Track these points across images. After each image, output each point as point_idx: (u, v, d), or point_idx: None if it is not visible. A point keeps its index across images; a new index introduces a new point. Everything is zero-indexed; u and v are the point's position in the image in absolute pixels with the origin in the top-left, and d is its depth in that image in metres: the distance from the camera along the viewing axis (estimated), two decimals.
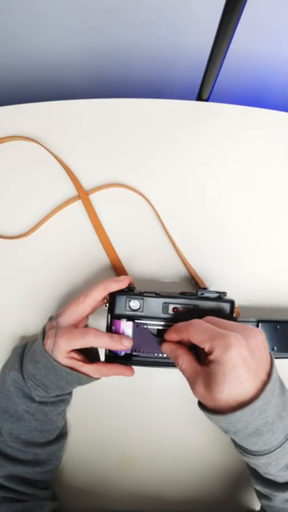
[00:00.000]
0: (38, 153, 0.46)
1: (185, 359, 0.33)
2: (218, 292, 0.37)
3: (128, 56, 0.59)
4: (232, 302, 0.37)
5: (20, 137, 0.46)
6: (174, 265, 0.44)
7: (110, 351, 0.37)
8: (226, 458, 0.43)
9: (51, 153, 0.45)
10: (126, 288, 0.37)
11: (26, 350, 0.38)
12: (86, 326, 0.40)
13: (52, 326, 0.36)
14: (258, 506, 0.42)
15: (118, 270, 0.44)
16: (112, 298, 0.37)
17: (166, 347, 0.35)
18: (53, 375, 0.35)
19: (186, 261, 0.44)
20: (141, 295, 0.36)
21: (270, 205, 0.47)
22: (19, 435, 0.37)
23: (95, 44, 0.57)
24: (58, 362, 0.34)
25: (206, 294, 0.37)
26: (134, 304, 0.36)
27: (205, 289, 0.39)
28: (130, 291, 0.37)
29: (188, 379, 0.32)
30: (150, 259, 0.44)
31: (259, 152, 0.48)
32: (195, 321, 0.32)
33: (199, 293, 0.37)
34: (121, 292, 0.37)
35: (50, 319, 0.37)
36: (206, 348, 0.30)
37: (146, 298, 0.36)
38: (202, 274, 0.44)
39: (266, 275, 0.45)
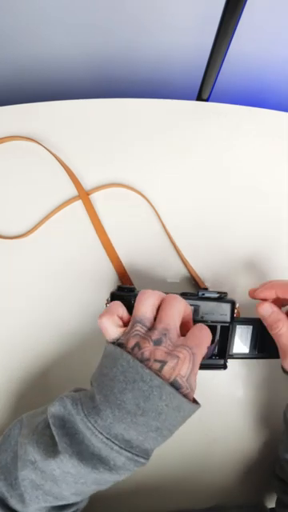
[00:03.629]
0: (38, 153, 0.46)
1: (286, 324, 0.33)
2: (218, 292, 0.37)
3: (128, 56, 0.59)
4: (233, 302, 0.37)
5: (20, 137, 0.46)
6: (174, 265, 0.44)
7: None
8: (227, 457, 0.43)
9: (51, 153, 0.45)
10: (127, 288, 0.37)
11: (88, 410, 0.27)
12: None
13: (181, 350, 0.28)
14: (269, 503, 0.43)
15: (118, 270, 0.44)
16: (113, 298, 0.36)
17: (267, 307, 0.34)
18: (180, 418, 0.28)
19: (186, 261, 0.44)
20: None
21: (270, 205, 0.47)
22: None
23: (95, 44, 0.57)
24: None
25: (206, 295, 0.37)
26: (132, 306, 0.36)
27: (205, 289, 0.39)
28: (130, 291, 0.37)
29: (283, 345, 0.33)
30: (150, 259, 0.44)
31: (259, 152, 0.48)
32: None
33: (200, 293, 0.37)
34: (121, 292, 0.36)
35: (158, 342, 0.28)
36: None
37: None
38: (203, 275, 0.44)
39: (267, 275, 0.45)
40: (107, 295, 0.37)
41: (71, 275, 0.44)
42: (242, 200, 0.46)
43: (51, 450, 0.27)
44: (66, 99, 0.48)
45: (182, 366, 0.27)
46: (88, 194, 0.45)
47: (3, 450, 0.31)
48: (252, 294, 0.36)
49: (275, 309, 0.34)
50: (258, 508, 0.40)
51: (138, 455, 0.26)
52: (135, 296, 0.36)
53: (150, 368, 0.27)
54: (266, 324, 0.35)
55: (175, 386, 0.27)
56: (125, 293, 0.37)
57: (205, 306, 0.36)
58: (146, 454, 0.27)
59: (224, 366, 0.38)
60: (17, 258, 0.44)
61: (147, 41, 0.56)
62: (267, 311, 0.34)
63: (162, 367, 0.27)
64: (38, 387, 0.42)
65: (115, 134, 0.47)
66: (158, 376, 0.26)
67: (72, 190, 0.45)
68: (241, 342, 0.38)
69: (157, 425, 0.26)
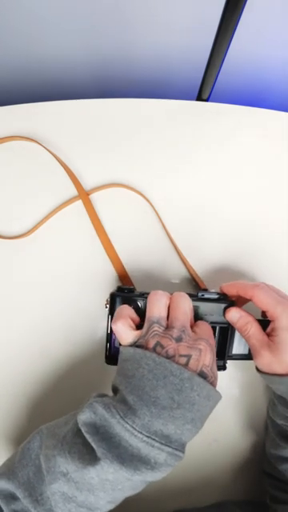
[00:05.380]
0: (38, 153, 0.46)
1: (253, 325, 0.34)
2: (218, 293, 0.37)
3: (128, 56, 0.59)
4: (232, 303, 0.37)
5: (20, 137, 0.46)
6: (174, 265, 0.44)
7: (110, 352, 0.37)
8: (227, 455, 0.43)
9: (51, 153, 0.45)
10: (127, 289, 0.37)
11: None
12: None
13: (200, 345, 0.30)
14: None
15: (118, 270, 0.44)
16: (113, 299, 0.36)
17: (234, 313, 0.35)
18: (209, 408, 0.29)
19: (186, 261, 0.44)
20: (141, 296, 0.36)
21: (270, 205, 0.47)
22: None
23: (95, 44, 0.57)
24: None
25: (206, 296, 0.37)
26: (135, 305, 0.36)
27: (205, 290, 0.39)
28: (130, 292, 0.37)
29: (253, 346, 0.34)
30: (150, 259, 0.44)
31: (259, 152, 0.48)
32: (262, 283, 0.34)
33: (199, 294, 0.37)
34: (121, 293, 0.36)
35: (179, 339, 0.29)
36: (270, 312, 0.33)
37: (146, 300, 0.36)
38: (202, 275, 0.44)
39: (267, 276, 0.45)
40: (107, 295, 0.37)
41: (71, 275, 0.44)
42: (241, 200, 0.46)
43: (87, 458, 0.27)
44: (66, 99, 0.48)
45: (205, 357, 0.29)
46: (88, 194, 0.45)
47: (23, 465, 0.30)
48: (220, 288, 0.38)
49: (243, 313, 0.35)
50: (257, 504, 0.40)
51: (177, 449, 0.27)
52: (139, 297, 0.36)
53: (177, 363, 0.28)
54: (236, 328, 0.36)
55: (202, 376, 0.29)
56: (126, 294, 0.36)
57: (204, 307, 0.36)
58: (183, 448, 0.28)
59: (223, 367, 0.38)
60: (17, 258, 0.44)
61: (147, 41, 0.56)
62: (235, 317, 0.35)
63: (188, 361, 0.29)
64: (41, 387, 0.42)
65: (115, 134, 0.47)
66: (186, 369, 0.28)
67: (72, 190, 0.45)
68: (240, 343, 0.38)
69: (192, 416, 0.27)
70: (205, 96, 0.51)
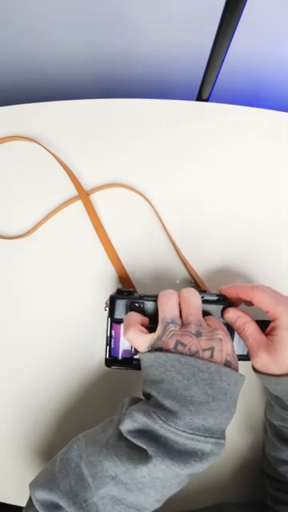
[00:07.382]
0: (38, 153, 0.46)
1: (251, 325, 0.34)
2: (218, 295, 0.37)
3: (128, 56, 0.59)
4: (232, 305, 0.37)
5: (20, 137, 0.46)
6: (174, 266, 0.44)
7: (109, 355, 0.37)
8: (227, 456, 0.43)
9: (51, 153, 0.45)
10: (127, 291, 0.37)
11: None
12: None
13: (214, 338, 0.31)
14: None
15: (118, 270, 0.44)
16: (112, 302, 0.36)
17: (232, 314, 0.35)
18: (238, 391, 0.30)
19: (186, 262, 0.44)
20: (141, 299, 0.36)
21: (270, 205, 0.46)
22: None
23: (95, 44, 0.57)
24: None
25: (206, 297, 0.36)
26: (135, 308, 0.36)
27: (205, 291, 0.39)
28: (130, 294, 0.37)
29: (250, 346, 0.34)
30: (150, 260, 0.44)
31: (259, 152, 0.48)
32: (261, 285, 0.34)
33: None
34: (121, 295, 0.36)
35: (199, 334, 0.30)
36: (271, 312, 0.33)
37: (146, 302, 0.36)
38: (203, 276, 0.44)
39: (267, 277, 0.45)
40: (107, 296, 0.37)
41: (71, 275, 0.44)
42: (241, 200, 0.46)
43: (137, 458, 0.28)
44: (66, 99, 0.48)
45: (226, 346, 0.30)
46: (88, 194, 0.45)
47: (64, 474, 0.31)
48: (219, 290, 0.38)
49: (240, 313, 0.35)
50: (257, 505, 0.40)
51: (219, 437, 0.28)
52: (138, 299, 0.36)
53: (202, 358, 0.29)
54: (234, 329, 0.36)
55: (227, 365, 0.30)
56: (126, 296, 0.36)
57: (204, 309, 0.36)
58: (223, 435, 0.29)
59: None
60: (17, 258, 0.44)
61: (147, 41, 0.56)
62: (233, 317, 0.35)
63: (212, 353, 0.29)
64: (40, 387, 0.42)
65: (115, 134, 0.47)
66: (212, 362, 0.29)
67: (72, 190, 0.45)
68: (239, 344, 0.38)
69: (226, 404, 0.29)
70: (205, 96, 0.51)
